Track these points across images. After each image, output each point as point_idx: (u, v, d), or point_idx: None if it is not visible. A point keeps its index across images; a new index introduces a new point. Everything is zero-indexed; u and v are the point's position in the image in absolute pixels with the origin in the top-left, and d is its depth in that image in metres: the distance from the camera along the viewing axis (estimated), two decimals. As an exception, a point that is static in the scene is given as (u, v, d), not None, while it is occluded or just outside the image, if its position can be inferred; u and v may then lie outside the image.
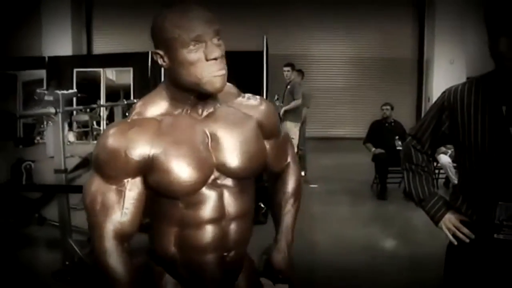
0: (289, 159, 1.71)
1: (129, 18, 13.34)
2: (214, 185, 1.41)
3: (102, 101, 12.68)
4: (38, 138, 12.22)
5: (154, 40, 1.37)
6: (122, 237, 1.39)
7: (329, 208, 6.22)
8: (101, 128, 12.89)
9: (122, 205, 1.36)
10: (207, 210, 1.40)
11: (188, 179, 1.34)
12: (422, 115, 13.39)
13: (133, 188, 1.36)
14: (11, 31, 12.79)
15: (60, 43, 12.78)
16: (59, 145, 3.81)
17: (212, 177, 1.40)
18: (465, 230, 1.80)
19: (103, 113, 12.90)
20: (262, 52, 8.62)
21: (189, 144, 1.37)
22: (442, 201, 1.92)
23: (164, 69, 1.40)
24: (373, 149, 6.95)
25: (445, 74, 11.93)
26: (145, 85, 12.54)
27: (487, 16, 1.60)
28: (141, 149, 1.33)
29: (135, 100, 8.19)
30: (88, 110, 12.65)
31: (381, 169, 6.81)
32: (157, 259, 1.52)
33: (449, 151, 6.73)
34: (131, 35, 13.36)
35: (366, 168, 7.36)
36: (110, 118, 11.77)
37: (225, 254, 1.46)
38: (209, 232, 1.42)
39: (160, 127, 1.36)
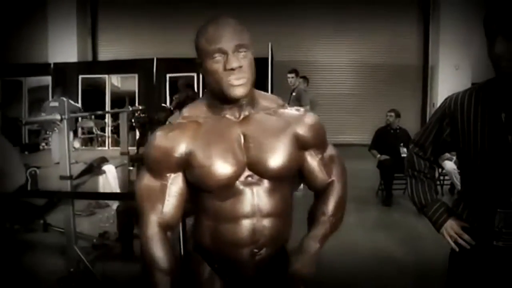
0: (333, 177, 1.71)
1: (135, 25, 13.40)
2: (247, 183, 1.54)
3: (107, 107, 12.72)
4: (43, 144, 12.30)
5: (196, 49, 1.55)
6: (164, 226, 1.55)
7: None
8: (106, 134, 12.93)
9: (165, 197, 1.54)
10: (239, 205, 1.53)
11: (221, 174, 1.49)
12: (427, 120, 13.38)
13: (174, 182, 1.54)
14: (17, 38, 12.86)
15: (65, 50, 12.83)
16: (64, 151, 3.82)
17: (245, 174, 1.53)
18: (466, 237, 1.80)
19: (109, 119, 12.94)
20: (267, 59, 8.63)
21: (224, 143, 1.52)
22: (444, 207, 1.92)
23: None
24: (378, 155, 6.93)
25: (450, 80, 11.91)
26: (150, 91, 12.59)
27: (485, 18, 1.61)
28: (181, 147, 1.51)
29: (140, 107, 8.23)
30: (93, 116, 12.70)
31: (386, 175, 6.79)
32: (197, 248, 1.66)
33: (454, 157, 6.70)
34: (136, 41, 13.43)
35: (371, 174, 7.34)
36: (116, 125, 11.80)
37: (256, 250, 1.57)
38: (241, 226, 1.54)
39: (199, 128, 1.54)
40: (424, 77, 13.44)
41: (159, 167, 1.54)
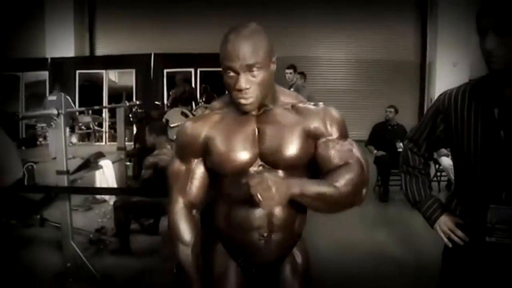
0: (350, 161, 1.66)
1: (132, 20, 13.36)
2: (259, 171, 1.64)
3: (105, 102, 12.69)
4: (40, 139, 12.28)
5: None
6: (189, 205, 1.73)
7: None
8: (104, 129, 12.92)
9: (189, 179, 1.72)
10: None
11: (234, 160, 1.63)
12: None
13: (197, 166, 1.73)
14: (15, 33, 12.81)
15: (63, 45, 12.79)
16: (61, 146, 3.81)
17: (257, 163, 1.66)
18: (459, 233, 1.81)
19: (106, 114, 12.92)
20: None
21: (239, 134, 1.65)
22: (438, 203, 1.93)
23: None
24: (375, 151, 6.94)
25: (448, 77, 11.90)
26: (147, 87, 12.56)
27: (477, 14, 1.62)
28: (202, 135, 1.68)
29: (137, 102, 8.22)
30: (90, 112, 12.68)
31: (383, 171, 6.80)
32: (213, 230, 1.80)
33: (452, 154, 6.73)
34: (134, 36, 13.39)
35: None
36: (113, 120, 11.79)
37: (267, 234, 1.69)
38: (252, 211, 1.67)
39: (221, 120, 1.69)
40: (422, 74, 13.45)
41: (185, 152, 1.73)
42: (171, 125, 8.15)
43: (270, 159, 1.65)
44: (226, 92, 1.68)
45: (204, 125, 1.70)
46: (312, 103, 1.74)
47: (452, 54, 12.05)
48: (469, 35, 11.48)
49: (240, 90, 1.55)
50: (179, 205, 1.72)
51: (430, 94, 13.08)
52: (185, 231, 1.71)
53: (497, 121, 1.66)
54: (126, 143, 6.38)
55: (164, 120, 8.31)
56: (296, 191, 1.51)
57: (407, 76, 13.42)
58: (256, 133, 1.67)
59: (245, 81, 1.55)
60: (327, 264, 4.18)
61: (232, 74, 1.55)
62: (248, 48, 1.52)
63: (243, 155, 1.64)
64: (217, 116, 1.71)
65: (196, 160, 1.72)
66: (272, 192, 1.43)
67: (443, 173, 7.13)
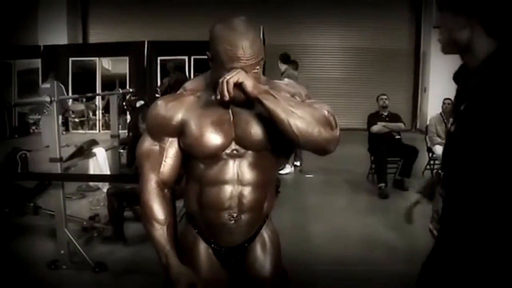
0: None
1: (126, 7, 13.27)
2: (232, 154, 1.70)
3: (98, 90, 12.63)
4: (33, 127, 12.22)
5: (209, 43, 1.63)
6: (161, 184, 1.73)
7: (325, 197, 6.22)
8: (97, 118, 12.86)
9: (163, 158, 1.73)
10: (223, 173, 1.70)
11: (210, 144, 1.66)
12: (418, 106, 13.41)
13: (171, 146, 1.73)
14: (7, 20, 12.69)
15: (55, 32, 12.70)
16: (54, 133, 3.79)
17: (231, 147, 1.69)
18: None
19: (99, 102, 12.86)
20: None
21: (215, 117, 1.67)
22: None
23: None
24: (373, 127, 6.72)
25: (441, 65, 11.91)
26: (141, 74, 12.51)
27: None
28: (178, 116, 1.69)
29: (130, 89, 8.17)
30: (84, 100, 12.61)
31: (380, 160, 6.63)
32: (187, 214, 1.86)
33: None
34: (127, 24, 13.31)
35: (362, 159, 7.36)
36: (106, 108, 11.74)
37: (237, 215, 1.72)
38: (222, 191, 1.70)
39: (196, 101, 1.71)
40: (416, 62, 13.47)
41: (158, 131, 1.72)
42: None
43: (246, 143, 1.69)
44: (205, 73, 1.75)
45: (180, 106, 1.71)
46: (279, 81, 1.82)
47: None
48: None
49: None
50: (152, 184, 1.72)
51: (423, 83, 13.11)
52: (159, 210, 1.71)
53: (462, 113, 1.52)
54: (120, 131, 6.35)
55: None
56: (264, 88, 1.61)
57: (400, 64, 13.44)
58: (231, 117, 1.69)
59: (251, 78, 1.59)
60: (320, 252, 4.21)
61: (231, 71, 1.57)
62: (253, 48, 1.57)
63: (218, 138, 1.66)
64: (191, 97, 1.73)
65: (170, 139, 1.73)
66: (250, 79, 1.57)
67: (437, 161, 7.16)
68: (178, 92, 1.77)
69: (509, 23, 1.42)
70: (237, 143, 1.69)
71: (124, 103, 8.06)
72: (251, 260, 1.83)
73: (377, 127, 6.64)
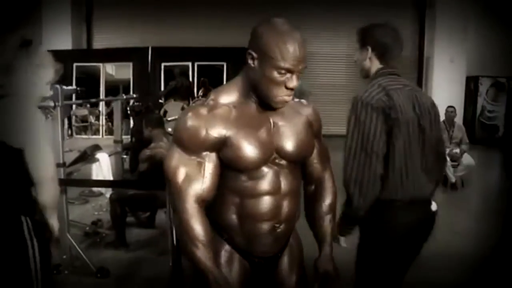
0: (327, 172, 1.94)
1: (130, 12, 13.29)
2: (273, 164, 1.70)
3: (101, 96, 12.65)
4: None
5: (253, 42, 1.63)
6: (202, 201, 1.64)
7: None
8: (100, 122, 12.89)
9: (203, 174, 1.63)
10: (265, 184, 1.69)
11: (253, 156, 1.64)
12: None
13: (210, 160, 1.64)
14: (10, 25, 12.72)
15: (60, 38, 12.71)
16: (57, 139, 3.80)
17: (272, 157, 1.69)
18: None
19: (103, 108, 12.88)
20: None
21: (256, 129, 1.67)
22: None
23: (248, 66, 1.65)
24: None
25: (445, 73, 11.94)
26: (145, 80, 12.53)
27: None
28: (218, 129, 1.62)
29: (134, 95, 8.19)
30: (88, 105, 12.63)
31: None
32: (218, 228, 1.75)
33: (447, 150, 6.72)
34: (132, 29, 13.33)
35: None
36: (110, 113, 11.76)
37: (277, 225, 1.73)
38: (265, 203, 1.69)
39: (232, 113, 1.66)
40: (419, 69, 13.44)
41: (196, 145, 1.63)
42: (169, 119, 8.15)
43: (286, 154, 1.72)
44: (235, 80, 1.73)
45: (216, 117, 1.63)
46: (298, 100, 1.86)
47: (449, 50, 12.08)
48: (466, 31, 11.51)
49: (292, 89, 1.62)
50: (191, 203, 1.62)
51: (427, 90, 13.07)
52: (202, 230, 1.61)
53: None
54: (123, 136, 6.36)
55: (162, 111, 8.27)
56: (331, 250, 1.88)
57: (404, 72, 13.16)
58: (272, 127, 1.71)
59: (296, 80, 1.62)
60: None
61: (285, 73, 1.59)
62: (304, 52, 1.60)
63: (262, 151, 1.65)
64: (228, 109, 1.66)
65: (208, 154, 1.64)
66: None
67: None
68: (207, 102, 1.67)
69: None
70: (277, 153, 1.70)
71: (128, 109, 8.08)
72: (281, 268, 1.85)
73: None
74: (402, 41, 2.30)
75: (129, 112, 8.25)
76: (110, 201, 4.50)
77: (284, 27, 1.60)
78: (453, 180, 6.93)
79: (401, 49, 2.28)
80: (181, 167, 1.63)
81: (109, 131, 11.96)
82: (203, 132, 1.62)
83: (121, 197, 4.42)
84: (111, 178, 5.58)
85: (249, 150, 1.63)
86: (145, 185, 4.44)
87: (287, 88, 1.61)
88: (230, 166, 1.66)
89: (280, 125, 1.72)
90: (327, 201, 1.90)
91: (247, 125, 1.66)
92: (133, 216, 4.88)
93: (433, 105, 2.20)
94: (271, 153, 1.69)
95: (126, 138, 7.77)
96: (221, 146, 1.63)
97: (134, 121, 8.65)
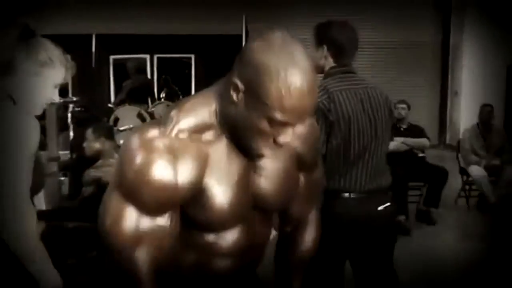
0: (312, 213, 1.94)
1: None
2: (248, 216, 1.66)
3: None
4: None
5: (241, 67, 1.44)
6: (155, 265, 1.56)
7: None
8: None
9: (164, 238, 1.55)
10: (235, 239, 1.66)
11: (228, 214, 1.58)
12: (448, 115, 13.39)
13: (173, 219, 1.56)
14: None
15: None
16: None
17: (248, 209, 1.65)
18: None
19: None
20: (241, 35, 8.70)
21: (232, 176, 1.57)
22: None
23: (227, 92, 1.48)
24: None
25: (477, 62, 11.87)
26: (88, 77, 12.41)
27: None
28: (190, 178, 1.50)
29: (74, 98, 8.12)
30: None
31: (399, 186, 6.61)
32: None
33: (483, 161, 6.72)
34: (71, 14, 13.27)
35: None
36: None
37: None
38: (233, 259, 1.68)
39: (209, 156, 1.53)
40: (444, 58, 13.43)
41: (158, 203, 1.51)
42: (121, 128, 8.07)
43: (267, 204, 1.69)
44: (206, 102, 1.58)
45: (189, 161, 1.50)
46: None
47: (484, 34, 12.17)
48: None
49: (281, 145, 1.50)
50: (149, 274, 1.55)
51: (454, 84, 13.09)
52: None
53: None
54: (60, 152, 6.31)
55: (112, 118, 8.21)
56: None
57: (424, 62, 13.36)
58: (250, 170, 1.62)
59: (290, 136, 1.48)
60: None
61: (277, 125, 1.43)
62: (313, 99, 1.44)
63: (239, 207, 1.59)
64: (203, 149, 1.52)
65: (173, 212, 1.55)
66: None
67: (473, 186, 7.12)
68: (169, 128, 1.50)
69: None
70: (255, 202, 1.65)
71: (68, 116, 8.01)
72: None
73: (394, 144, 6.53)
74: (358, 40, 2.83)
75: (69, 120, 8.18)
76: (41, 238, 4.43)
77: (289, 56, 1.38)
78: (492, 199, 6.83)
79: (357, 47, 2.80)
80: (139, 236, 1.52)
81: (41, 146, 11.86)
82: (171, 188, 1.49)
83: (56, 232, 4.37)
84: (44, 208, 5.52)
85: (220, 212, 1.56)
86: (89, 215, 4.38)
87: (276, 143, 1.48)
88: (195, 223, 1.60)
89: (261, 166, 1.63)
90: (302, 251, 1.93)
91: (222, 169, 1.56)
92: (72, 259, 4.82)
93: (387, 100, 2.80)
94: (246, 211, 1.64)
95: (64, 154, 7.71)
96: (189, 201, 1.54)
97: (74, 132, 8.57)
